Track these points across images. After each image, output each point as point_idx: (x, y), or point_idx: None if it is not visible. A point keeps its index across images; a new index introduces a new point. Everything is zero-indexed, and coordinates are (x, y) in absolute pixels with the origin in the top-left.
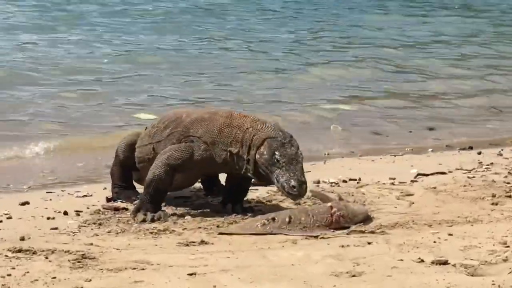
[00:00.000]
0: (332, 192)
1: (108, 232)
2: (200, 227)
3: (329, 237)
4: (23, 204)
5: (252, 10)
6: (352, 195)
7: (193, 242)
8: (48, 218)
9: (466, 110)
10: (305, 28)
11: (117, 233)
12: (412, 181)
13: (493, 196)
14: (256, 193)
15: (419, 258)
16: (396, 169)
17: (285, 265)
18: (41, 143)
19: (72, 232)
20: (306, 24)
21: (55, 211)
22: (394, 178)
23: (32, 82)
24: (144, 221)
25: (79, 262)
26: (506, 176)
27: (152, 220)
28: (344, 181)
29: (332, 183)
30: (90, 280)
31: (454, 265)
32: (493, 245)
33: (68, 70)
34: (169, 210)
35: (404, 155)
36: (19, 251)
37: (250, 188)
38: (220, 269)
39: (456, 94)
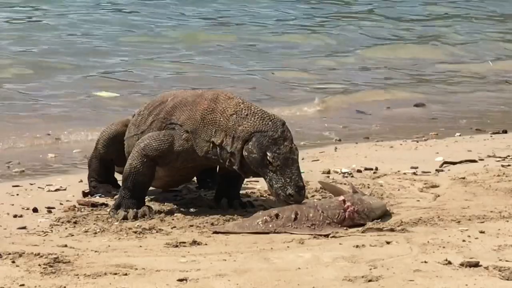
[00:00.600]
0: (345, 184)
1: (85, 231)
2: (191, 225)
3: (341, 236)
4: None
5: None
6: (368, 187)
7: (183, 242)
8: (15, 216)
9: None
10: None
11: (95, 233)
12: (438, 170)
13: None
14: (257, 185)
15: (446, 260)
16: (419, 156)
17: (290, 269)
18: None
19: (43, 232)
20: None
21: (22, 208)
22: (417, 167)
23: None
24: (125, 218)
25: (51, 266)
26: None
27: (135, 218)
28: (359, 171)
29: (344, 173)
30: (65, 287)
31: (486, 268)
32: None
33: None
34: (155, 205)
35: (428, 140)
36: None
37: (249, 179)
38: (215, 274)
39: None
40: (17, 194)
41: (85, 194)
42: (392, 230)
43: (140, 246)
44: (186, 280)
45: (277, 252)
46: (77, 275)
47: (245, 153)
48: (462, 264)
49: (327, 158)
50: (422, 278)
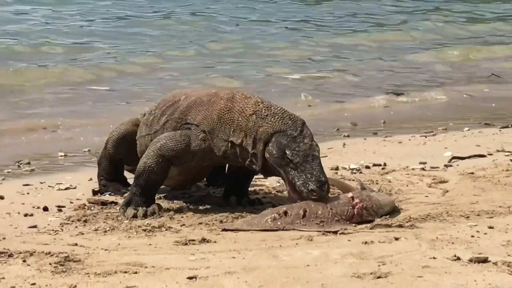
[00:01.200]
0: (353, 180)
1: (95, 230)
2: (200, 223)
3: (350, 233)
4: None
5: None
6: (377, 183)
7: (192, 240)
8: (26, 215)
9: None
10: None
11: (105, 231)
12: (446, 165)
13: None
14: (266, 182)
15: (455, 256)
16: (428, 152)
17: (299, 266)
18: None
19: (53, 230)
20: None
21: (33, 207)
22: (425, 163)
23: None
24: (135, 216)
25: (62, 265)
26: None
27: (145, 216)
28: (367, 167)
29: (353, 169)
30: (75, 286)
31: (495, 263)
32: None
33: None
34: (164, 203)
35: (437, 135)
36: None
37: (257, 176)
38: (224, 272)
39: None
40: (28, 193)
41: (95, 193)
42: (400, 226)
43: (150, 244)
44: (195, 278)
45: (286, 249)
46: (88, 273)
47: (267, 155)
48: (471, 260)
49: (335, 154)
50: (431, 274)
